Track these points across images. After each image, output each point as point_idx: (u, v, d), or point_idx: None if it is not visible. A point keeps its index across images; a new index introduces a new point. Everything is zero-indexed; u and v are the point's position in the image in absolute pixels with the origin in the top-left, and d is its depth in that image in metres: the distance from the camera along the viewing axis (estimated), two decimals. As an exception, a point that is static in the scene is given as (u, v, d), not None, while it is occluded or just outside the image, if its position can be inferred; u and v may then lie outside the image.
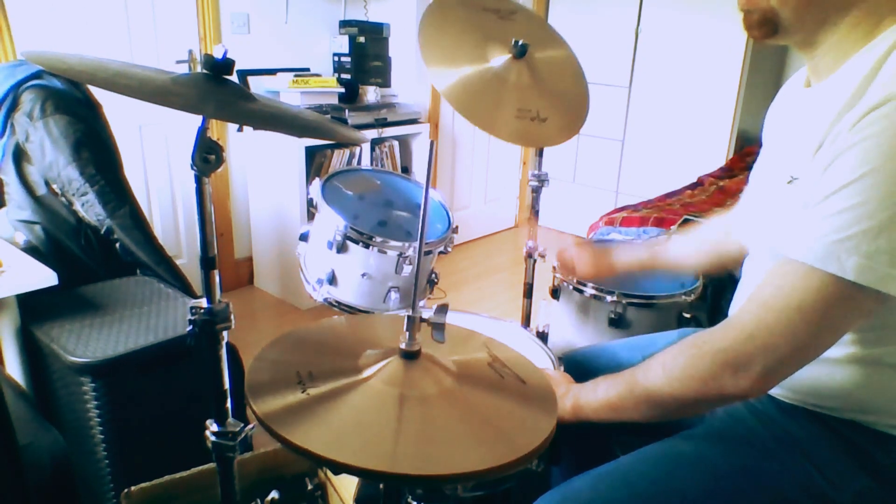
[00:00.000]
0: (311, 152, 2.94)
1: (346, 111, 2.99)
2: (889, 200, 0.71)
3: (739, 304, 1.05)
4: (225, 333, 0.92)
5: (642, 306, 1.58)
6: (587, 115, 1.47)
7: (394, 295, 1.64)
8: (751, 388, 0.82)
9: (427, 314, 0.77)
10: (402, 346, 0.75)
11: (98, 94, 1.97)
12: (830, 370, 0.88)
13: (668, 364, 0.89)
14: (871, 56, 0.79)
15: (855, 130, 0.74)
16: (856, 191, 0.73)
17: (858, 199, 0.73)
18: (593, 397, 0.96)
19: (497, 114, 1.34)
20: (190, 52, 1.00)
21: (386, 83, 3.35)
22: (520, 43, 1.43)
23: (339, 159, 3.05)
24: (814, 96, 0.89)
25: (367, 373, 0.73)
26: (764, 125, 1.09)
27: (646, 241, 1.34)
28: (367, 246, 1.58)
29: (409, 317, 0.74)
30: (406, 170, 3.47)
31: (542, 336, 1.64)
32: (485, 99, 1.34)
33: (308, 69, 3.21)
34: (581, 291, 1.61)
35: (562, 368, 1.20)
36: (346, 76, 3.26)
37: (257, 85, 2.97)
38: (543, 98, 1.42)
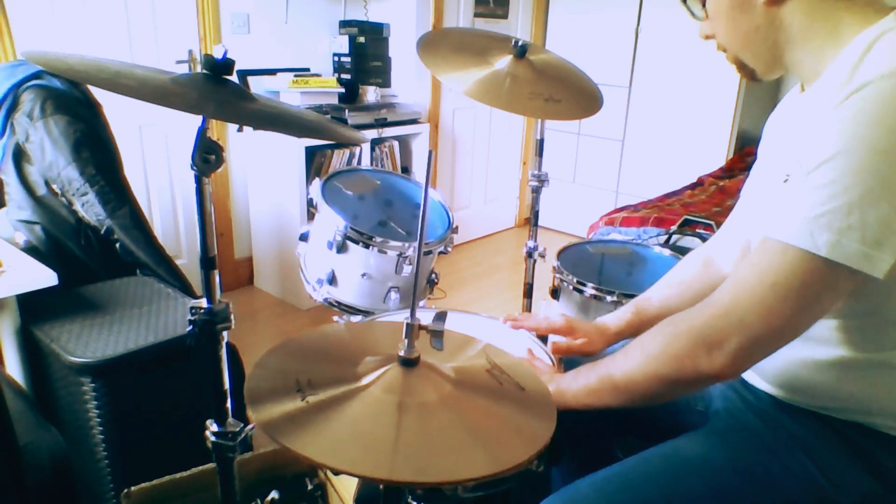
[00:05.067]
0: (311, 152, 2.94)
1: (346, 111, 2.99)
2: (861, 177, 0.72)
3: None
4: (225, 333, 0.92)
5: (642, 306, 1.58)
6: (601, 99, 1.49)
7: (394, 295, 1.64)
8: (725, 367, 0.82)
9: (426, 321, 0.77)
10: (401, 353, 0.75)
11: (98, 94, 1.97)
12: (834, 373, 0.88)
13: (647, 344, 0.90)
14: (853, 53, 0.80)
15: (834, 112, 0.76)
16: (831, 168, 0.74)
17: (833, 175, 0.74)
18: (574, 384, 0.97)
19: (514, 98, 1.40)
20: (190, 52, 1.00)
21: (386, 83, 3.35)
22: (519, 43, 1.43)
23: (339, 159, 3.05)
24: (805, 99, 0.91)
25: (366, 380, 0.73)
26: (761, 138, 1.10)
27: (628, 305, 1.23)
28: (367, 246, 1.58)
29: (407, 324, 0.74)
30: (406, 170, 3.47)
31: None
32: (501, 88, 1.40)
33: (308, 69, 3.21)
34: (581, 291, 1.60)
35: (562, 368, 1.20)
36: (346, 76, 3.26)
37: (257, 85, 2.97)
38: (553, 86, 1.45)
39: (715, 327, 0.82)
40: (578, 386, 0.96)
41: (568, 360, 1.25)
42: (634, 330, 1.21)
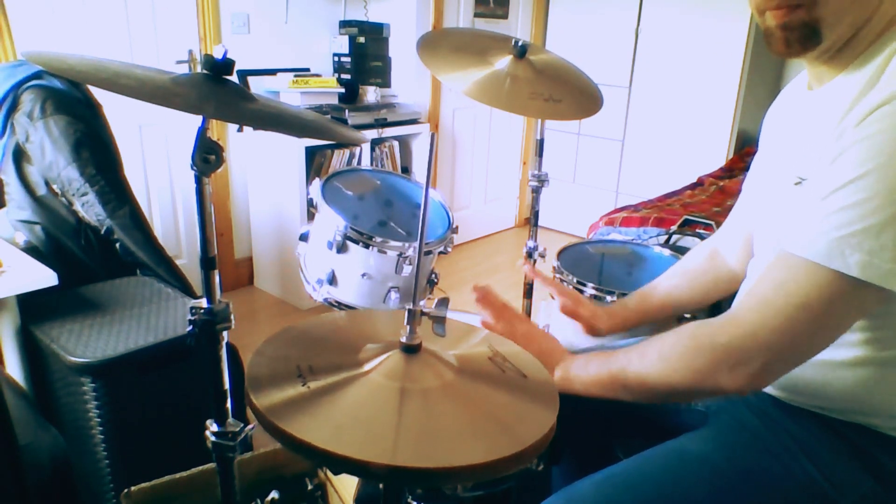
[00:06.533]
0: (311, 152, 2.94)
1: (346, 111, 2.99)
2: (893, 196, 0.71)
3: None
4: (225, 333, 0.92)
5: (642, 306, 1.58)
6: (601, 99, 1.49)
7: (394, 295, 1.64)
8: (747, 385, 0.82)
9: (428, 308, 0.77)
10: (403, 339, 0.75)
11: (98, 94, 1.97)
12: (836, 372, 0.88)
13: (666, 353, 0.89)
14: (874, 59, 0.79)
15: (860, 127, 0.74)
16: (860, 187, 0.73)
17: (863, 195, 0.72)
18: (584, 372, 0.96)
19: (514, 98, 1.39)
20: (190, 52, 1.00)
21: (386, 83, 3.35)
22: (520, 43, 1.43)
23: (339, 159, 3.05)
24: (818, 98, 0.89)
25: (367, 366, 0.73)
26: (762, 129, 1.09)
27: (634, 293, 1.26)
28: (367, 246, 1.58)
29: (409, 310, 0.74)
30: (406, 170, 3.47)
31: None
32: (501, 88, 1.40)
33: (308, 69, 3.21)
34: (581, 291, 1.60)
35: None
36: (346, 76, 3.26)
37: (257, 85, 2.97)
38: (553, 86, 1.44)
39: (740, 347, 0.81)
40: (589, 376, 0.96)
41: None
42: (639, 318, 1.23)
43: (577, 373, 0.97)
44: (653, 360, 0.90)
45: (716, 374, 0.83)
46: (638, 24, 3.77)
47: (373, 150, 3.23)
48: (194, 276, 1.28)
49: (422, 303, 0.77)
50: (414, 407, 0.69)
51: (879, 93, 0.74)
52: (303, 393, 0.68)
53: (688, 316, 1.57)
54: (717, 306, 1.61)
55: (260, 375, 0.71)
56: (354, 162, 3.11)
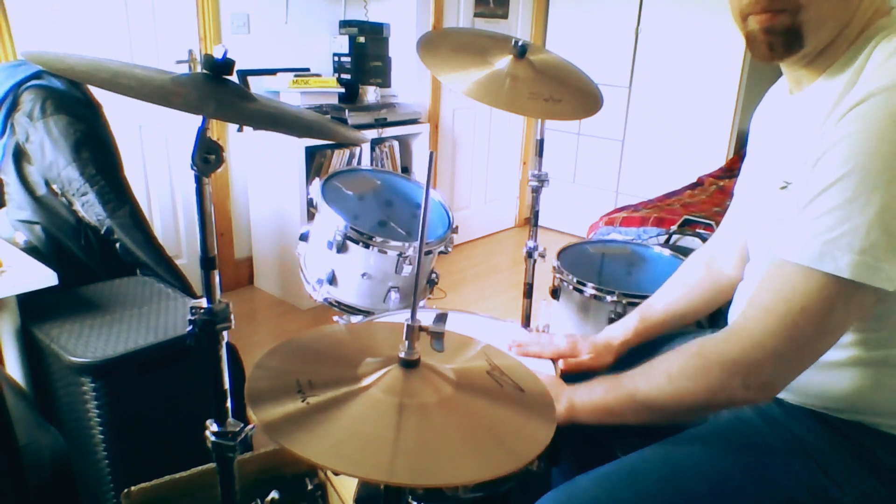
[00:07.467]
0: (311, 152, 2.94)
1: (346, 111, 2.99)
2: (876, 195, 0.72)
3: (739, 306, 1.05)
4: (225, 333, 0.92)
5: (642, 306, 1.58)
6: (601, 99, 1.49)
7: (394, 295, 1.64)
8: (761, 395, 0.83)
9: (426, 322, 0.76)
10: (402, 354, 0.75)
11: (98, 94, 1.97)
12: (836, 372, 0.88)
13: (675, 373, 0.88)
14: (853, 60, 0.80)
15: (838, 127, 0.75)
16: (842, 188, 0.74)
17: (846, 196, 0.73)
18: (588, 399, 0.96)
19: (514, 98, 1.39)
20: (190, 52, 1.00)
21: (386, 83, 3.35)
22: (520, 43, 1.43)
23: (339, 159, 3.05)
24: (800, 103, 0.90)
25: (366, 381, 0.73)
26: (749, 133, 1.09)
27: (632, 313, 1.24)
28: (367, 246, 1.58)
29: (408, 325, 0.74)
30: (406, 170, 3.47)
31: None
32: (501, 88, 1.40)
33: (308, 69, 3.21)
34: (581, 291, 1.60)
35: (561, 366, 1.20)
36: (346, 76, 3.26)
37: (257, 85, 2.97)
38: (553, 86, 1.44)
39: (750, 359, 0.82)
40: (594, 405, 0.95)
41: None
42: (641, 338, 1.21)
43: (581, 401, 0.96)
44: (661, 382, 0.89)
45: (729, 389, 0.83)
46: (638, 24, 3.77)
47: (373, 150, 3.23)
48: (194, 276, 1.28)
49: (421, 303, 0.77)
50: (412, 423, 0.69)
51: (857, 92, 0.75)
52: (302, 409, 0.68)
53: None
54: (717, 311, 1.60)
55: (260, 390, 0.71)
56: (354, 162, 3.11)
